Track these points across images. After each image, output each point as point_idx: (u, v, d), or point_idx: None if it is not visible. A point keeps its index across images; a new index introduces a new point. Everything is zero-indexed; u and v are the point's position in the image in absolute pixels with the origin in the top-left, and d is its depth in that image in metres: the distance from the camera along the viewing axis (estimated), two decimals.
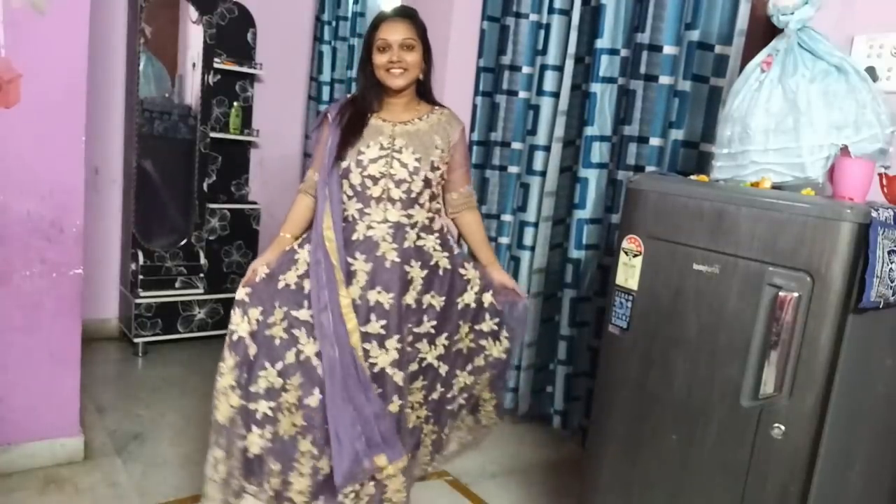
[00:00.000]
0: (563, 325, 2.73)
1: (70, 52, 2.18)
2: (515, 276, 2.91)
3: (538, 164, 2.81)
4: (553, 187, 2.79)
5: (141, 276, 3.51)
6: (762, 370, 1.41)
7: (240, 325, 1.87)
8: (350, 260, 1.83)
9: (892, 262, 1.35)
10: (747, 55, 2.06)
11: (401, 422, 1.84)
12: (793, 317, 1.37)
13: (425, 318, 1.88)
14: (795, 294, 1.36)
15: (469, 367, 1.99)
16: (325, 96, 4.06)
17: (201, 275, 3.72)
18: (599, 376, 1.82)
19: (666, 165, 2.35)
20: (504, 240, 3.04)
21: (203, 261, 3.71)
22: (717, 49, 2.25)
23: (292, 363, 1.82)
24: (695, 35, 2.25)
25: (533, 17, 2.86)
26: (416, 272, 1.87)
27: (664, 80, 2.41)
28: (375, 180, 1.84)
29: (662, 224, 1.62)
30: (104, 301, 3.70)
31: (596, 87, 2.55)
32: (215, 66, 3.63)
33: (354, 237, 1.85)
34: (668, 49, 2.39)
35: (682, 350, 1.57)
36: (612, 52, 2.54)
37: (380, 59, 1.83)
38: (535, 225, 2.84)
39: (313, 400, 1.80)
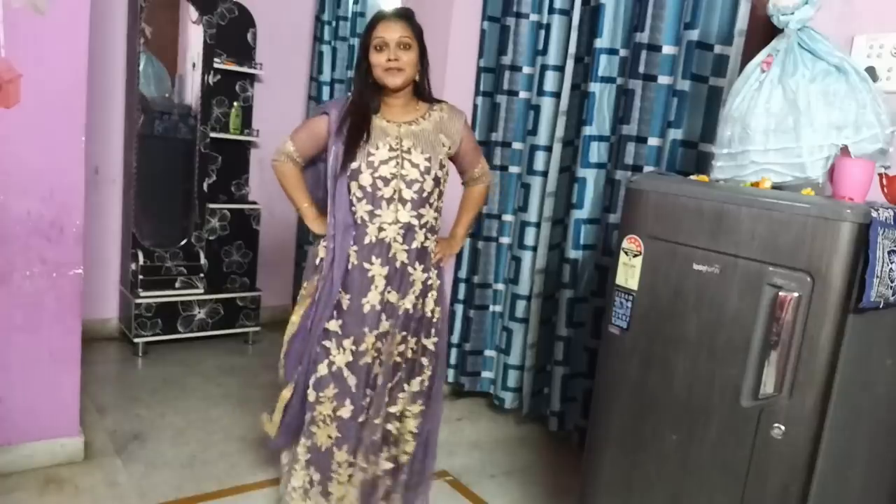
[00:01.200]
0: (560, 325, 2.73)
1: (70, 52, 2.18)
2: (517, 276, 2.91)
3: (539, 165, 2.81)
4: (553, 188, 2.79)
5: (141, 276, 3.51)
6: (762, 370, 1.41)
7: (337, 356, 1.91)
8: (366, 265, 1.87)
9: (892, 262, 1.35)
10: (747, 55, 2.06)
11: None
12: (793, 317, 1.37)
13: (413, 323, 1.94)
14: (795, 294, 1.36)
15: (405, 390, 1.98)
16: (325, 96, 4.06)
17: (201, 275, 3.72)
18: (599, 376, 1.82)
19: (664, 165, 2.35)
20: (505, 240, 3.04)
21: (203, 261, 3.71)
22: (717, 49, 2.25)
23: (325, 375, 1.91)
24: (694, 35, 2.25)
25: (533, 17, 2.87)
26: (418, 275, 1.92)
27: (663, 79, 2.41)
28: (387, 181, 1.85)
29: (662, 224, 1.62)
30: (104, 301, 3.70)
31: (595, 87, 2.55)
32: (215, 66, 3.63)
33: (367, 240, 1.87)
34: (668, 49, 2.39)
35: (682, 350, 1.57)
36: (612, 51, 2.54)
37: (377, 58, 1.84)
38: (537, 225, 2.84)
39: (346, 411, 1.89)
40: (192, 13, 3.65)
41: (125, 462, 2.47)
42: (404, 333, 1.94)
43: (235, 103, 3.79)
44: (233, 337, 3.86)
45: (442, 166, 1.92)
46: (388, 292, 1.89)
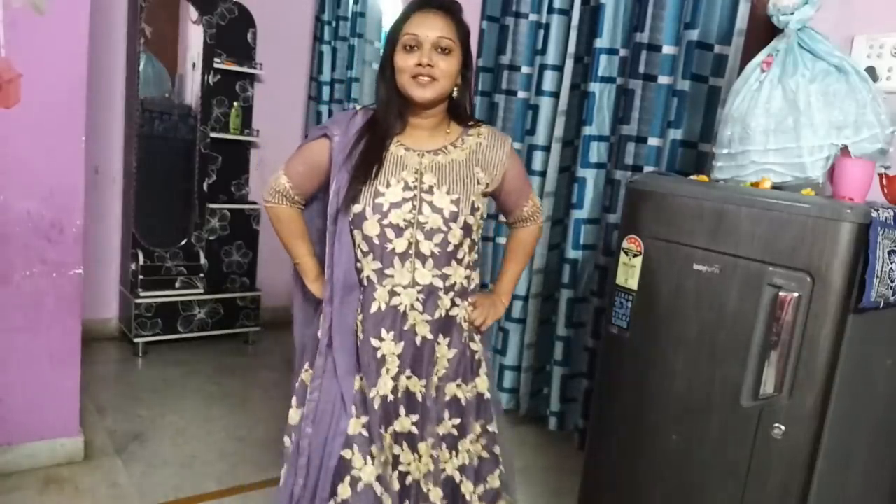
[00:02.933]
0: (560, 325, 2.73)
1: (70, 52, 2.18)
2: None
3: (537, 165, 2.80)
4: (553, 188, 2.79)
5: (141, 276, 3.51)
6: (762, 370, 1.41)
7: (364, 469, 1.42)
8: (374, 341, 1.43)
9: (892, 262, 1.35)
10: (747, 55, 2.06)
11: None
12: (793, 317, 1.37)
13: (447, 413, 1.49)
14: (795, 294, 1.36)
15: (480, 490, 1.54)
16: (325, 96, 4.06)
17: (201, 275, 3.72)
18: (599, 376, 1.82)
19: (664, 165, 2.35)
20: (502, 240, 3.04)
21: (203, 261, 3.71)
22: (717, 49, 2.25)
23: (348, 499, 1.41)
24: (694, 35, 2.25)
25: (532, 16, 2.86)
26: (444, 351, 1.48)
27: (663, 79, 2.41)
28: (399, 231, 1.40)
29: (662, 224, 1.62)
30: (104, 301, 3.70)
31: (595, 87, 2.55)
32: (215, 66, 3.63)
33: (374, 308, 1.43)
34: (668, 49, 2.38)
35: (682, 350, 1.57)
36: (611, 51, 2.54)
37: (405, 60, 1.38)
38: None
39: None
40: (192, 13, 3.65)
41: (125, 462, 2.47)
42: (454, 434, 1.49)
43: (235, 103, 3.79)
44: (233, 337, 3.85)
45: (475, 209, 1.45)
46: (407, 377, 1.45)
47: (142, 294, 3.50)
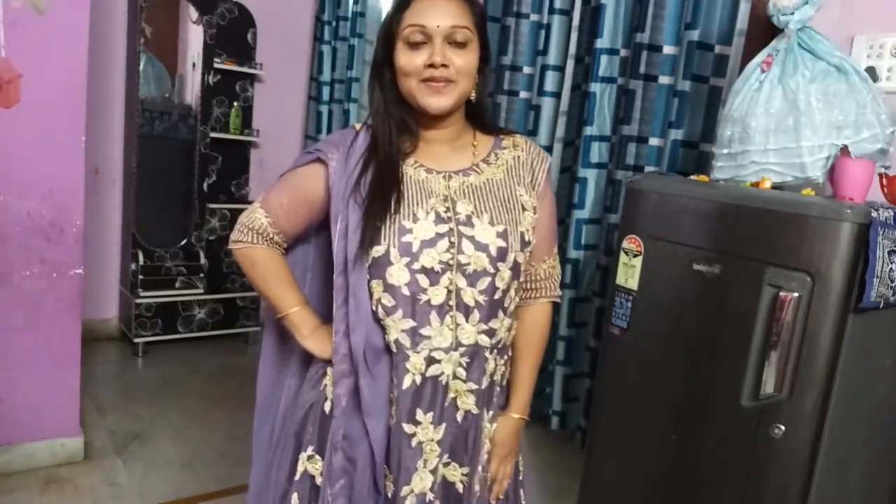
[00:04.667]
0: (562, 325, 2.73)
1: (70, 52, 2.18)
2: None
3: None
4: (554, 188, 2.78)
5: (141, 276, 3.51)
6: (762, 370, 1.41)
7: None
8: (408, 427, 1.10)
9: (892, 262, 1.35)
10: (747, 55, 2.06)
11: None
12: (793, 317, 1.37)
13: None
14: (795, 294, 1.36)
15: None
16: (325, 96, 4.06)
17: (201, 275, 3.72)
18: (599, 376, 1.82)
19: (665, 165, 2.35)
20: None
21: (203, 261, 3.71)
22: (717, 49, 2.25)
23: None
24: (694, 35, 2.25)
25: (534, 17, 2.86)
26: (488, 428, 1.17)
27: (664, 79, 2.41)
28: (436, 276, 1.08)
29: (662, 224, 1.62)
30: (104, 301, 3.70)
31: (595, 87, 2.55)
32: (215, 66, 3.63)
33: (407, 383, 1.09)
34: (668, 49, 2.38)
35: (682, 350, 1.57)
36: (612, 51, 2.54)
37: (410, 60, 1.06)
38: None
39: None
40: (192, 13, 3.65)
41: (125, 462, 2.47)
42: None
43: (235, 103, 3.79)
44: (233, 337, 3.85)
45: (526, 243, 1.14)
46: (446, 465, 1.13)
47: (142, 294, 3.50)
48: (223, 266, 3.79)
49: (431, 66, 1.05)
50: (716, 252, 1.50)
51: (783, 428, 1.39)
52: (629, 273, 1.68)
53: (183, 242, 3.68)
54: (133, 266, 3.52)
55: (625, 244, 1.69)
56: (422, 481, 1.10)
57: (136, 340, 3.50)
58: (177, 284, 3.65)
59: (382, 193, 1.08)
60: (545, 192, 1.19)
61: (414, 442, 1.10)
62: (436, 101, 1.06)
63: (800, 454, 1.39)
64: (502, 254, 1.09)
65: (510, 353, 1.21)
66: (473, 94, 1.12)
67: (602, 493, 1.78)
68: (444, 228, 1.08)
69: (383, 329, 1.10)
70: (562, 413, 2.79)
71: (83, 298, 2.37)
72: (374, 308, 1.10)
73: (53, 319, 2.29)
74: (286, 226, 1.19)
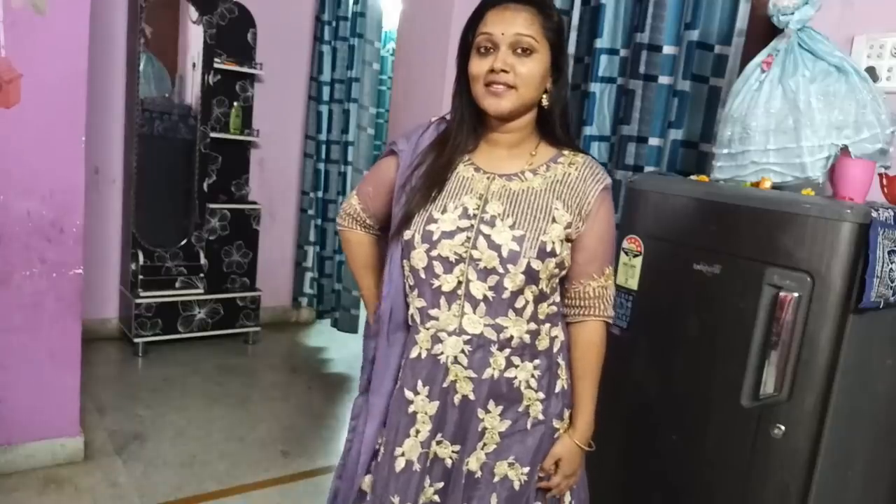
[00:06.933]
0: None
1: (70, 52, 2.18)
2: None
3: None
4: None
5: (141, 276, 3.51)
6: (762, 370, 1.41)
7: None
8: (409, 393, 1.23)
9: (892, 263, 1.35)
10: (747, 55, 2.06)
11: None
12: (793, 317, 1.37)
13: (494, 498, 1.23)
14: (795, 294, 1.36)
15: None
16: (325, 96, 4.06)
17: (201, 275, 3.72)
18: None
19: (665, 165, 2.35)
20: None
21: (203, 261, 3.71)
22: (717, 49, 2.25)
23: None
24: (694, 35, 2.25)
25: None
26: (494, 422, 1.22)
27: (663, 79, 2.41)
28: (450, 266, 1.17)
29: (662, 224, 1.62)
30: (104, 301, 3.70)
31: (595, 87, 2.55)
32: (215, 66, 3.64)
33: (414, 353, 1.22)
34: (668, 49, 2.38)
35: (682, 350, 1.57)
36: (612, 51, 2.54)
37: (478, 66, 1.16)
38: None
39: None
40: (192, 13, 3.65)
41: (125, 462, 2.47)
42: None
43: (235, 103, 3.79)
44: (233, 337, 3.86)
45: (548, 253, 1.16)
46: (438, 442, 1.22)
47: (142, 294, 3.50)
48: (223, 266, 3.80)
49: (493, 71, 1.14)
50: (716, 252, 1.50)
51: (783, 428, 1.39)
52: (629, 273, 1.68)
53: (183, 242, 3.68)
54: (133, 266, 3.52)
55: (625, 244, 1.69)
56: (412, 449, 1.22)
57: (136, 340, 3.50)
58: (177, 284, 3.66)
59: (427, 185, 1.21)
60: (597, 214, 1.22)
61: (410, 409, 1.22)
62: (495, 104, 1.15)
63: (800, 454, 1.39)
64: (514, 256, 1.15)
65: (555, 361, 1.26)
66: (546, 103, 1.20)
67: (602, 493, 1.78)
68: (466, 223, 1.18)
69: (407, 304, 1.25)
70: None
71: (83, 298, 2.37)
72: (404, 283, 1.25)
73: (53, 319, 2.29)
74: (374, 210, 1.36)
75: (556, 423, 1.26)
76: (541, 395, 1.23)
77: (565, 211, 1.19)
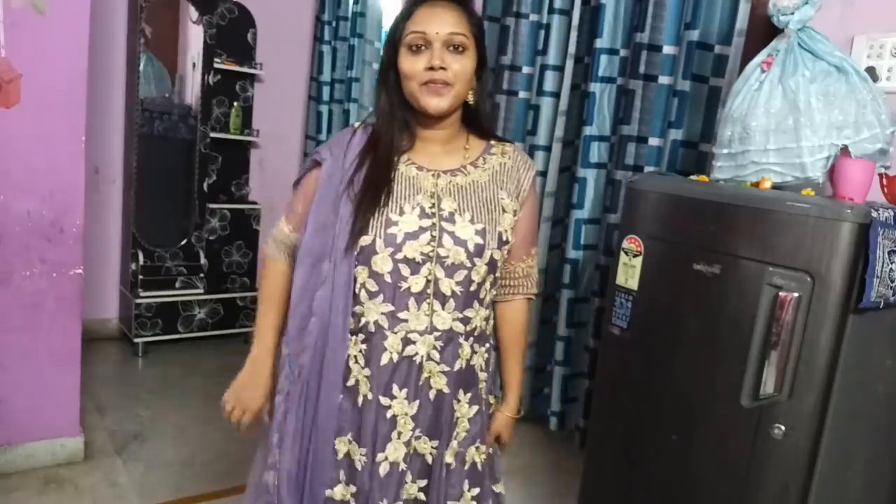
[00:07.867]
0: (561, 325, 2.73)
1: (70, 52, 2.18)
2: None
3: (538, 164, 2.80)
4: (553, 188, 2.79)
5: (141, 276, 3.51)
6: (762, 370, 1.41)
7: None
8: (384, 400, 1.22)
9: (892, 263, 1.35)
10: (747, 55, 2.06)
11: None
12: (793, 317, 1.37)
13: (467, 483, 1.29)
14: (795, 294, 1.36)
15: None
16: (325, 96, 4.06)
17: (201, 275, 3.72)
18: (599, 376, 1.82)
19: (665, 165, 2.35)
20: None
21: (203, 261, 3.71)
22: (717, 49, 2.25)
23: None
24: (694, 35, 2.25)
25: (533, 17, 2.86)
26: (465, 410, 1.28)
27: (663, 79, 2.41)
28: (416, 266, 1.18)
29: (662, 224, 1.62)
30: (104, 301, 3.70)
31: (595, 87, 2.55)
32: (215, 66, 3.64)
33: (385, 360, 1.21)
34: (668, 49, 2.39)
35: (682, 350, 1.57)
36: (612, 51, 2.54)
37: (411, 64, 1.17)
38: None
39: None
40: (192, 13, 3.65)
41: (125, 462, 2.47)
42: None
43: (235, 103, 3.79)
44: (233, 337, 3.86)
45: (503, 242, 1.24)
46: (417, 438, 1.24)
47: (142, 294, 3.50)
48: (223, 266, 3.80)
49: (431, 69, 1.15)
50: (716, 252, 1.50)
51: (783, 428, 1.39)
52: (629, 273, 1.68)
53: (183, 242, 3.68)
54: (133, 266, 3.52)
55: (625, 244, 1.69)
56: (395, 451, 1.22)
57: (136, 340, 3.50)
58: (177, 284, 3.66)
59: (375, 188, 1.19)
60: (528, 198, 1.30)
61: (389, 414, 1.21)
62: (435, 102, 1.17)
63: (800, 454, 1.39)
64: (479, 250, 1.20)
65: (491, 343, 1.34)
66: (472, 99, 1.23)
67: (602, 493, 1.78)
68: (427, 223, 1.19)
69: (358, 315, 1.22)
70: (561, 413, 2.79)
71: (83, 298, 2.37)
72: (356, 291, 1.21)
73: (53, 319, 2.29)
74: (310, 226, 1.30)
75: (491, 399, 1.36)
76: (485, 374, 1.31)
77: (510, 200, 1.26)
